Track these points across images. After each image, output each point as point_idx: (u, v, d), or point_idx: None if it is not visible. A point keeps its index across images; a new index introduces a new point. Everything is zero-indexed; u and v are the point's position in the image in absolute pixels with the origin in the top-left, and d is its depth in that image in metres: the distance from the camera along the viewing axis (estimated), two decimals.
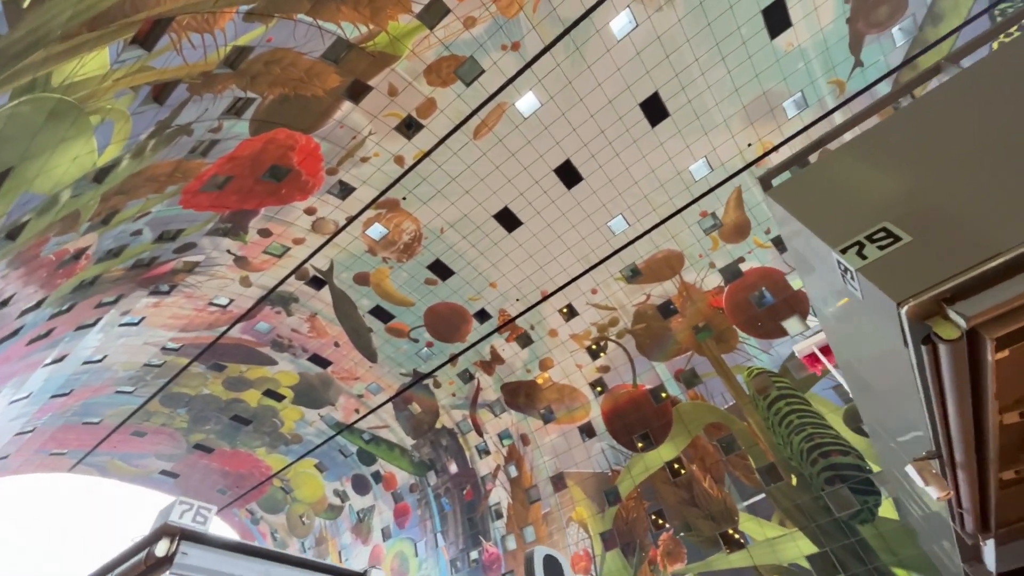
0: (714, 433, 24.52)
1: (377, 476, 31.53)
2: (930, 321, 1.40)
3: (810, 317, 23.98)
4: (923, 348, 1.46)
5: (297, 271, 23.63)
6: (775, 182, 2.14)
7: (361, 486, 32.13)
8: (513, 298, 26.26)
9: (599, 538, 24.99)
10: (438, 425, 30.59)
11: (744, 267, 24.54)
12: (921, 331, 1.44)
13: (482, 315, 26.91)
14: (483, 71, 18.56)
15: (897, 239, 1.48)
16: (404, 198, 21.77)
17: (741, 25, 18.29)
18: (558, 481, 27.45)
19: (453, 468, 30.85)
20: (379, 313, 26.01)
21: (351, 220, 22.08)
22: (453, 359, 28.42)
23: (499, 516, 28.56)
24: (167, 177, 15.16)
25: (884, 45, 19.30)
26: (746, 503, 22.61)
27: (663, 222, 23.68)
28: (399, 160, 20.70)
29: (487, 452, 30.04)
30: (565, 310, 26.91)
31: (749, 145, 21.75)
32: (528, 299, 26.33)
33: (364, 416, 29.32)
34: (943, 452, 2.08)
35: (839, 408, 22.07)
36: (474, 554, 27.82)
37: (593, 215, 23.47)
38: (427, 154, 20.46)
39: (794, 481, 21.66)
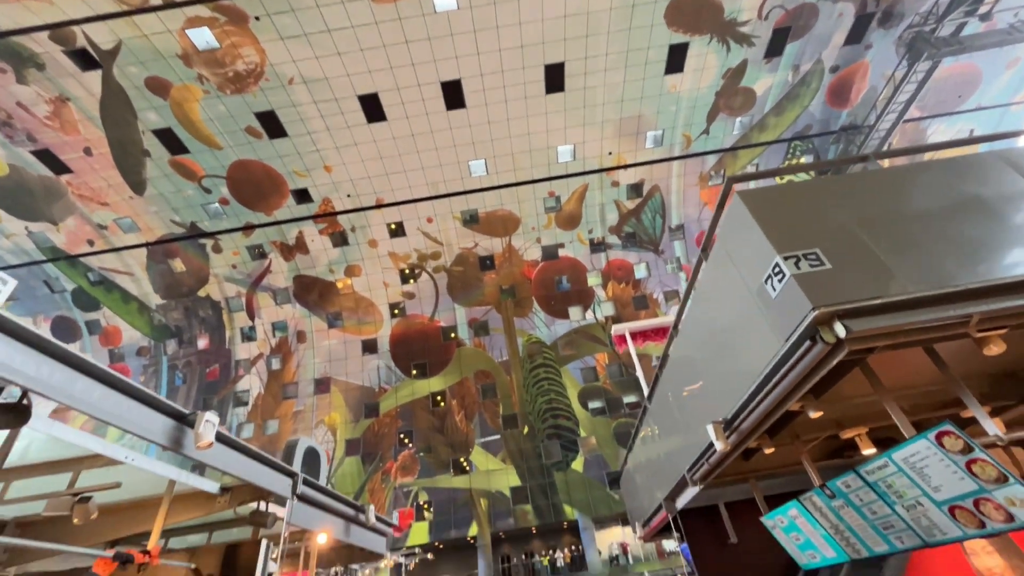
0: (481, 378, 27.53)
1: (94, 326, 25.58)
2: (820, 327, 2.00)
3: (588, 312, 28.76)
4: (805, 343, 2.06)
5: (56, 28, 16.77)
6: (738, 187, 2.61)
7: (64, 332, 25.57)
8: (345, 192, 24.05)
9: (344, 443, 25.71)
10: (202, 293, 26.35)
11: (562, 252, 27.70)
12: (811, 332, 2.04)
13: (302, 195, 23.92)
14: None
15: (823, 263, 2.05)
16: (258, 18, 17.45)
17: (651, 47, 20.00)
18: (322, 384, 26.95)
19: (203, 343, 27.21)
20: (168, 139, 20.62)
21: (172, 5, 16.66)
22: (248, 228, 24.64)
23: (242, 403, 26.59)
24: None
25: (727, 127, 23.80)
26: (483, 440, 26.28)
27: (517, 184, 24.75)
28: None
29: (252, 338, 27.36)
30: (394, 226, 25.98)
31: (610, 153, 24.29)
32: (361, 200, 24.47)
33: (100, 252, 23.20)
34: (737, 421, 2.95)
35: (579, 385, 27.32)
36: None
37: (459, 147, 22.98)
38: None
39: (525, 431, 26.12)
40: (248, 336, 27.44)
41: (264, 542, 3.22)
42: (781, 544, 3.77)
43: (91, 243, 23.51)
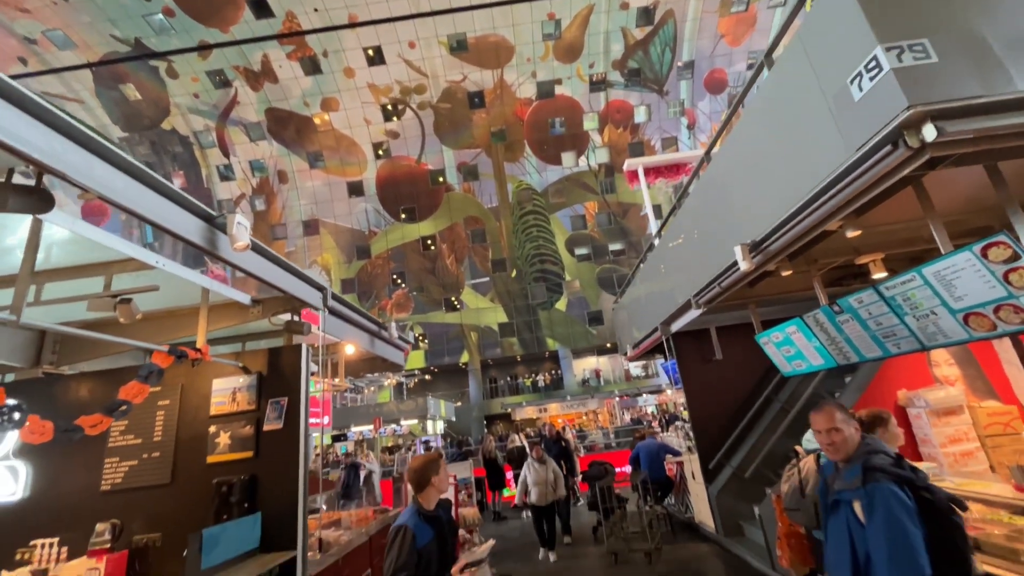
0: (471, 224, 27.62)
1: None
2: (907, 130, 1.86)
3: (581, 159, 27.72)
4: (883, 150, 1.94)
5: None
6: None
7: None
8: (312, 5, 20.58)
9: (339, 282, 26.71)
10: (166, 126, 24.19)
11: (558, 90, 25.41)
12: (895, 135, 1.90)
13: (261, 8, 20.45)
14: None
15: (928, 56, 1.82)
16: None
17: None
18: (310, 226, 26.82)
19: (179, 182, 25.94)
20: None
21: None
22: (205, 49, 21.55)
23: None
24: None
25: None
26: (473, 281, 27.55)
27: (512, 2, 21.39)
28: None
29: (230, 178, 26.12)
30: (372, 52, 22.96)
31: None
32: (331, 16, 21.12)
33: (37, 74, 20.34)
34: (767, 242, 2.98)
35: (567, 233, 27.75)
36: None
37: None
38: None
39: (513, 274, 27.29)
40: (226, 176, 26.15)
41: (304, 346, 3.44)
42: (769, 357, 4.20)
43: (24, 62, 20.47)
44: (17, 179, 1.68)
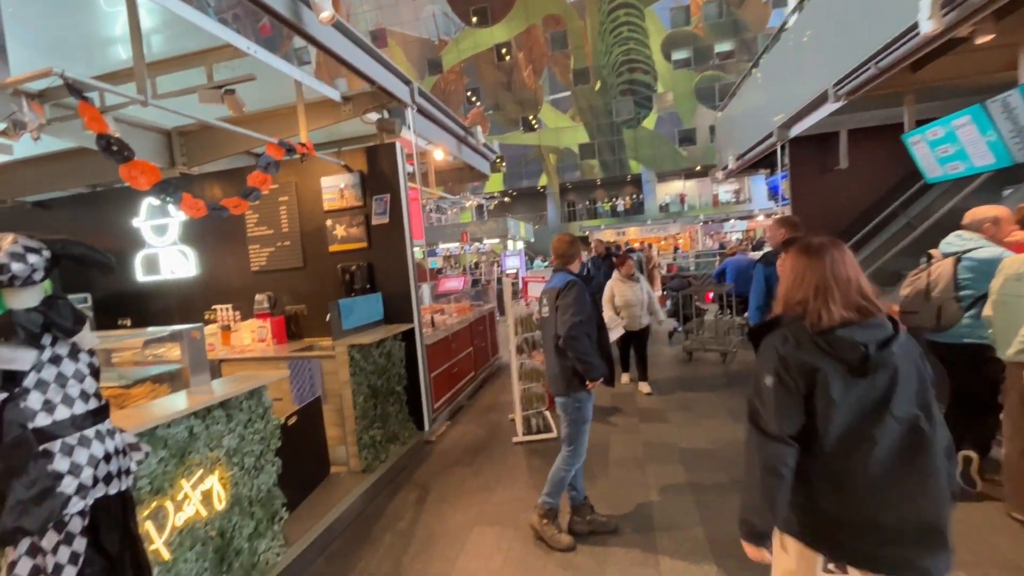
0: (551, 25, 24.09)
1: None
2: None
3: None
4: None
5: None
6: None
7: None
8: None
9: None
10: None
11: None
12: None
13: None
14: None
15: None
16: None
17: None
18: (379, 37, 24.98)
19: None
20: None
21: None
22: None
23: (304, 63, 25.89)
24: None
25: None
26: (552, 97, 25.34)
27: None
28: None
29: None
30: None
31: None
32: None
33: None
34: (884, 60, 2.22)
35: (664, 31, 23.40)
36: None
37: None
38: None
39: (597, 86, 24.50)
40: None
41: (397, 144, 3.46)
42: (914, 160, 3.57)
43: None
44: None
